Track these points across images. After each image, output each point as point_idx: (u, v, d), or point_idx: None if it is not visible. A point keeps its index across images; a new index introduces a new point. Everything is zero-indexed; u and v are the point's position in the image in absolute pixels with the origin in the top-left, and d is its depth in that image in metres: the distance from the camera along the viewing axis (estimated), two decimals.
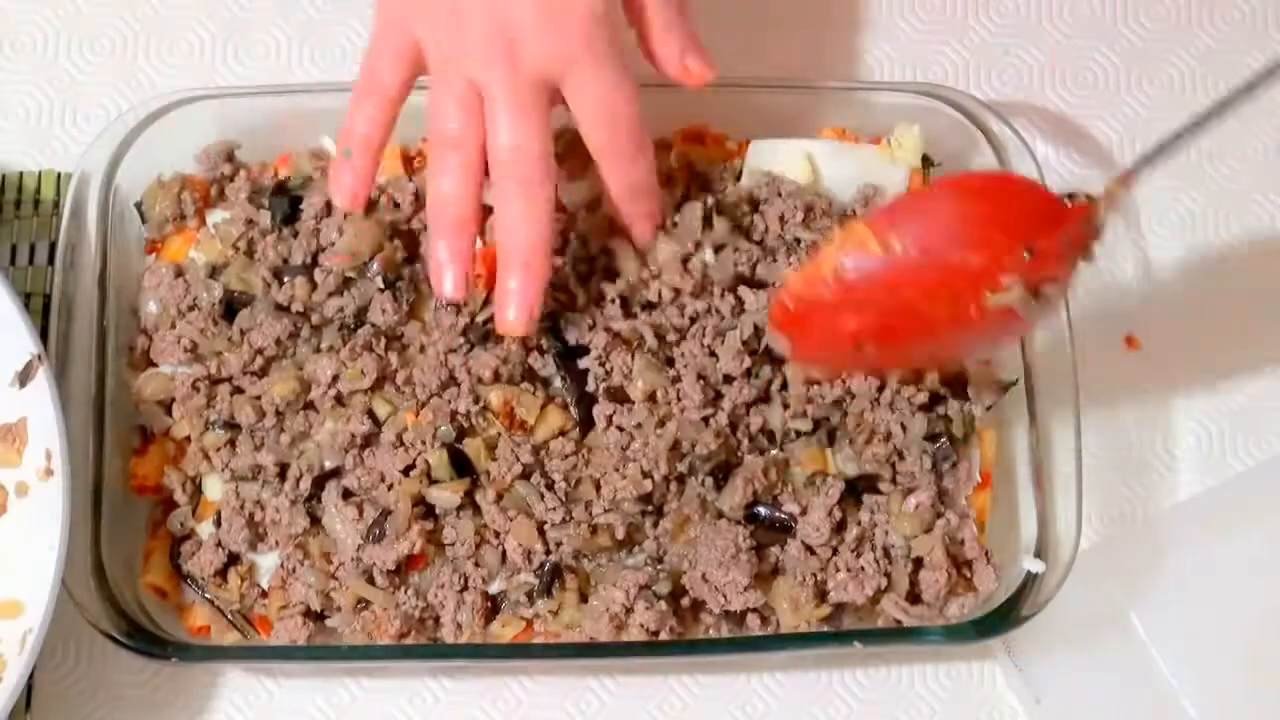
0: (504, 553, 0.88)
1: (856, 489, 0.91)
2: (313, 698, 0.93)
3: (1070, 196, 0.80)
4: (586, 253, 0.93)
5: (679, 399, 0.89)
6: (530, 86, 0.80)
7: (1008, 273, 0.78)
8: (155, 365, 0.91)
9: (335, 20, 1.06)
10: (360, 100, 0.85)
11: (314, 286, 0.90)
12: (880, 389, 0.91)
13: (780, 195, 0.94)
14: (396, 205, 0.93)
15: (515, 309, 0.83)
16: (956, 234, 0.80)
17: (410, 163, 0.96)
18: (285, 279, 0.91)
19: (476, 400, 0.89)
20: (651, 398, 0.89)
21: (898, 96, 0.99)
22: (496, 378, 0.89)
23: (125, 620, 0.86)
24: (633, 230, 0.89)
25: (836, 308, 0.83)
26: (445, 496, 0.88)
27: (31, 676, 0.89)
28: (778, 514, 0.90)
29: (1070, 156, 1.07)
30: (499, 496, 0.88)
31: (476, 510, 0.89)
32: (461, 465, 0.88)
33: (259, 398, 0.90)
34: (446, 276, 0.84)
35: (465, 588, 0.88)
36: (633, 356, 0.90)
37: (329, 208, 0.92)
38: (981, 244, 0.79)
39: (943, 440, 0.91)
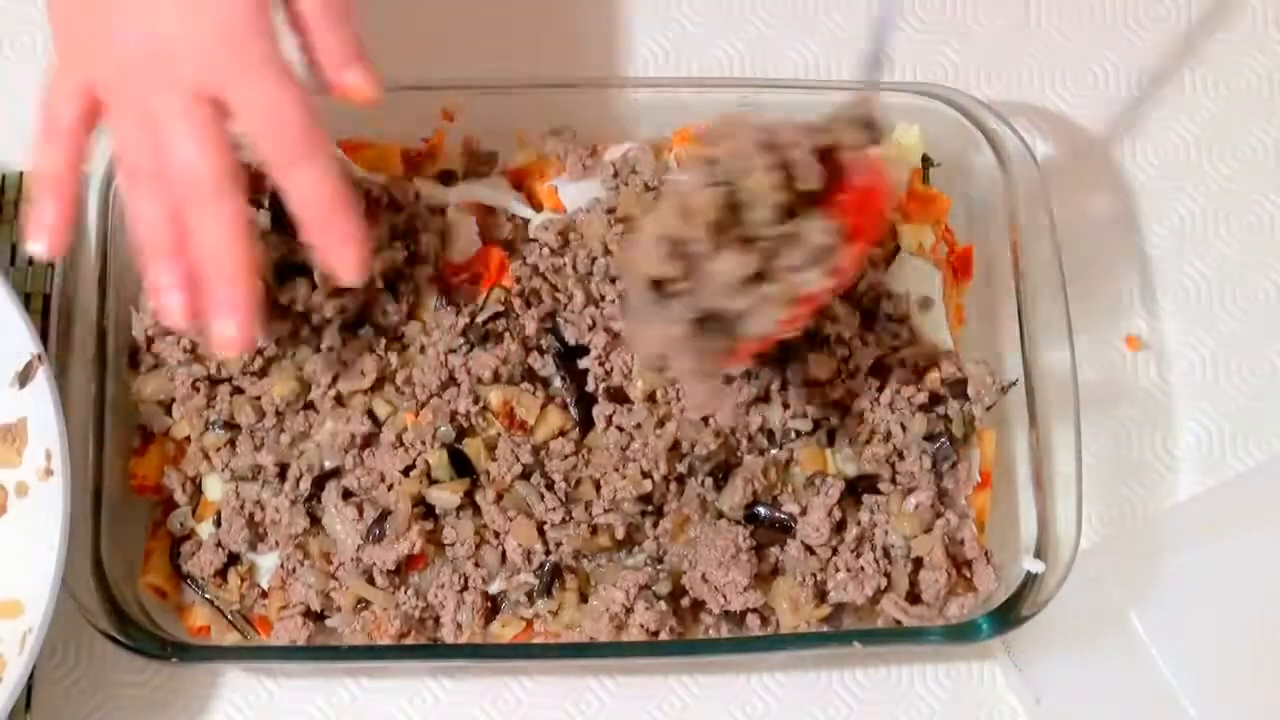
0: (504, 553, 0.88)
1: (856, 489, 0.91)
2: (313, 698, 0.93)
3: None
4: (588, 253, 0.93)
5: (678, 399, 0.89)
6: (192, 104, 0.77)
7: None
8: (155, 365, 0.91)
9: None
10: (44, 144, 0.81)
11: (314, 287, 0.90)
12: (880, 389, 0.91)
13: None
14: (399, 207, 0.93)
15: (228, 324, 0.78)
16: None
17: (412, 162, 0.96)
18: (285, 280, 0.91)
19: (476, 400, 0.89)
20: (651, 398, 0.89)
21: (898, 96, 0.99)
22: (496, 378, 0.90)
23: (125, 620, 0.86)
24: (333, 263, 0.79)
25: None
26: (445, 496, 0.88)
27: (31, 676, 0.89)
28: (777, 514, 0.90)
29: (1070, 156, 1.07)
30: (499, 496, 0.88)
31: (476, 510, 0.89)
32: (461, 465, 0.88)
33: (259, 398, 0.90)
34: (169, 302, 0.78)
35: (465, 588, 0.88)
36: (632, 356, 0.90)
37: None
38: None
39: (943, 440, 0.91)
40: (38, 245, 0.80)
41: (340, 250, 0.79)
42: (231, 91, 0.78)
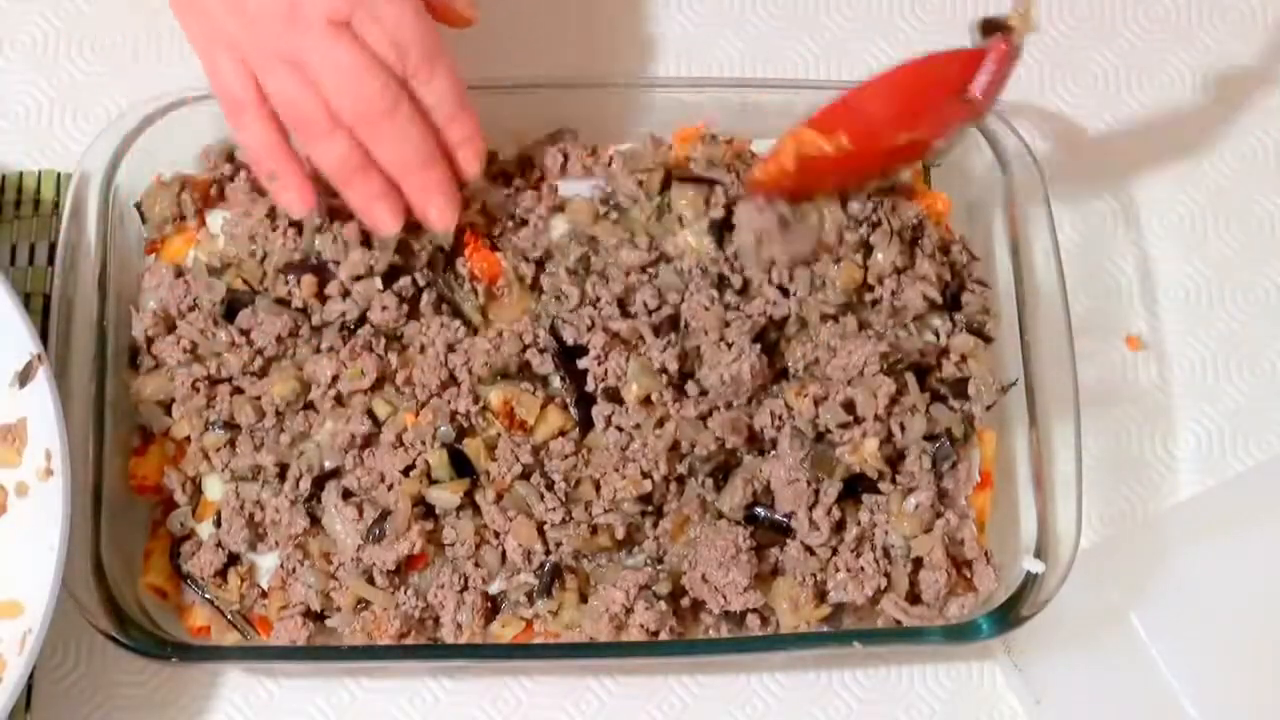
0: (504, 553, 0.88)
1: (856, 489, 0.91)
2: (313, 698, 0.93)
3: (987, 27, 0.88)
4: (584, 252, 0.93)
5: (674, 401, 0.89)
6: (331, 34, 0.83)
7: (937, 136, 0.90)
8: (155, 365, 0.91)
9: None
10: (238, 121, 0.87)
11: (322, 285, 0.90)
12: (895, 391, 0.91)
13: None
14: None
15: (440, 202, 0.88)
16: (889, 121, 0.90)
17: None
18: (291, 276, 0.91)
19: (476, 400, 0.89)
20: (646, 401, 0.89)
21: None
22: (489, 370, 0.89)
23: (125, 620, 0.86)
24: (458, 160, 0.89)
25: (798, 180, 0.91)
26: (445, 496, 0.88)
27: (31, 676, 0.89)
28: (777, 515, 0.89)
29: (1070, 156, 1.07)
30: (499, 496, 0.88)
31: (476, 510, 0.89)
32: (461, 465, 0.88)
33: (259, 398, 0.90)
34: (379, 213, 0.88)
35: (465, 588, 0.88)
36: (628, 359, 0.90)
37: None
38: (912, 123, 0.90)
39: (943, 440, 0.91)
40: (296, 209, 0.89)
41: (464, 147, 0.88)
42: (358, 18, 0.83)
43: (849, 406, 0.90)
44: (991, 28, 0.88)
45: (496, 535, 0.89)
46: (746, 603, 0.88)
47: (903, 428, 0.90)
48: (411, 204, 0.88)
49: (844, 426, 0.90)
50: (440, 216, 0.88)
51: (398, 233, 0.89)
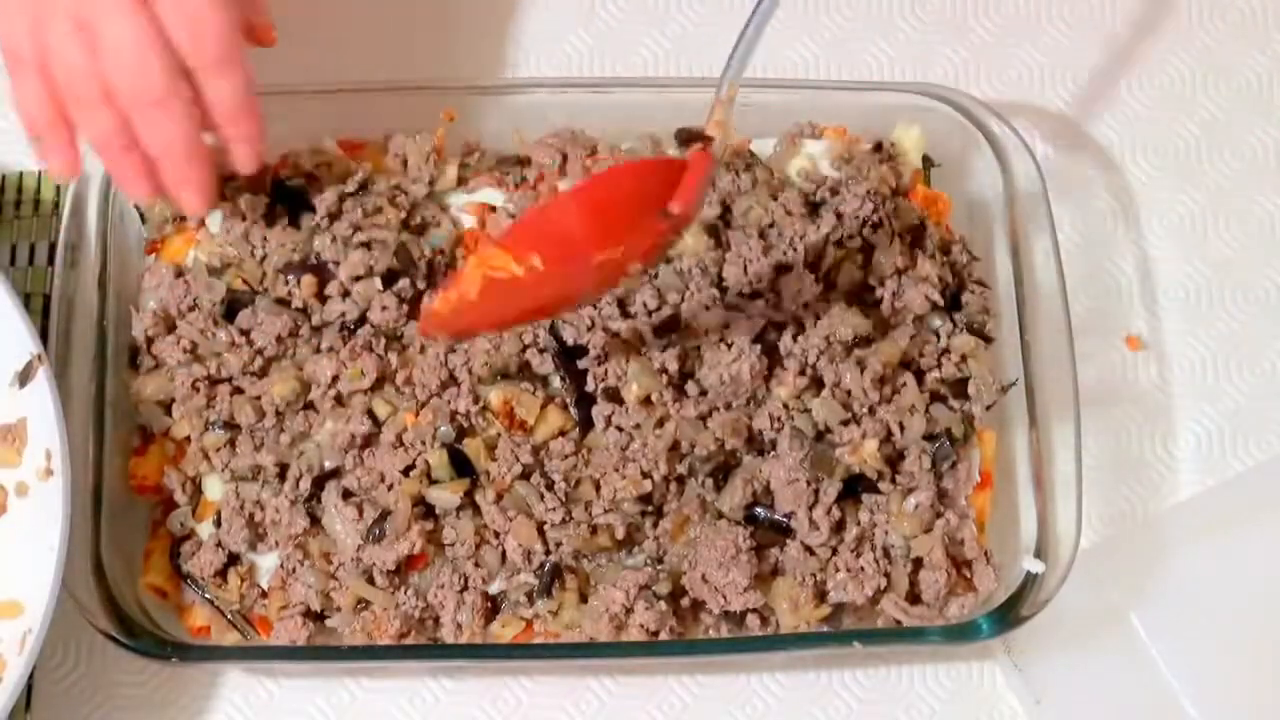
0: (504, 553, 0.88)
1: (856, 489, 0.91)
2: (313, 698, 0.93)
3: (685, 137, 0.85)
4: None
5: (674, 401, 0.89)
6: (129, 10, 0.81)
7: (634, 260, 0.83)
8: (155, 365, 0.91)
9: (342, 21, 1.06)
10: (16, 75, 0.85)
11: (322, 285, 0.90)
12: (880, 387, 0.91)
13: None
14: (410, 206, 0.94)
15: (192, 192, 0.87)
16: (586, 239, 0.82)
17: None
18: (291, 276, 0.91)
19: (476, 400, 0.89)
20: (646, 401, 0.89)
21: (898, 96, 0.99)
22: (489, 370, 0.89)
23: (125, 620, 0.86)
24: (233, 156, 0.87)
25: (482, 310, 0.83)
26: (445, 497, 0.88)
27: (31, 676, 0.89)
28: (777, 515, 0.89)
29: (1070, 156, 1.08)
30: (499, 496, 0.88)
31: (476, 510, 0.89)
32: (461, 465, 0.88)
33: (259, 398, 0.90)
34: (135, 189, 0.87)
35: (465, 588, 0.88)
36: (627, 359, 0.90)
37: (340, 205, 0.92)
38: (611, 240, 0.82)
39: (942, 440, 0.91)
40: (56, 172, 0.88)
41: (242, 145, 0.87)
42: (161, 1, 0.81)
43: (843, 393, 0.90)
44: (689, 138, 0.84)
45: (496, 535, 0.88)
46: (746, 603, 0.88)
47: (902, 428, 0.90)
48: (166, 188, 0.87)
49: (844, 424, 0.90)
50: (190, 207, 0.88)
51: (148, 198, 0.89)
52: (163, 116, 0.83)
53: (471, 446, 0.89)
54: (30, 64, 0.83)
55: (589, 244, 0.81)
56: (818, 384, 0.91)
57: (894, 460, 0.91)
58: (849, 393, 0.91)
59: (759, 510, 0.90)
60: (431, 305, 0.83)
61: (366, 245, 0.91)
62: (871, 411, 0.91)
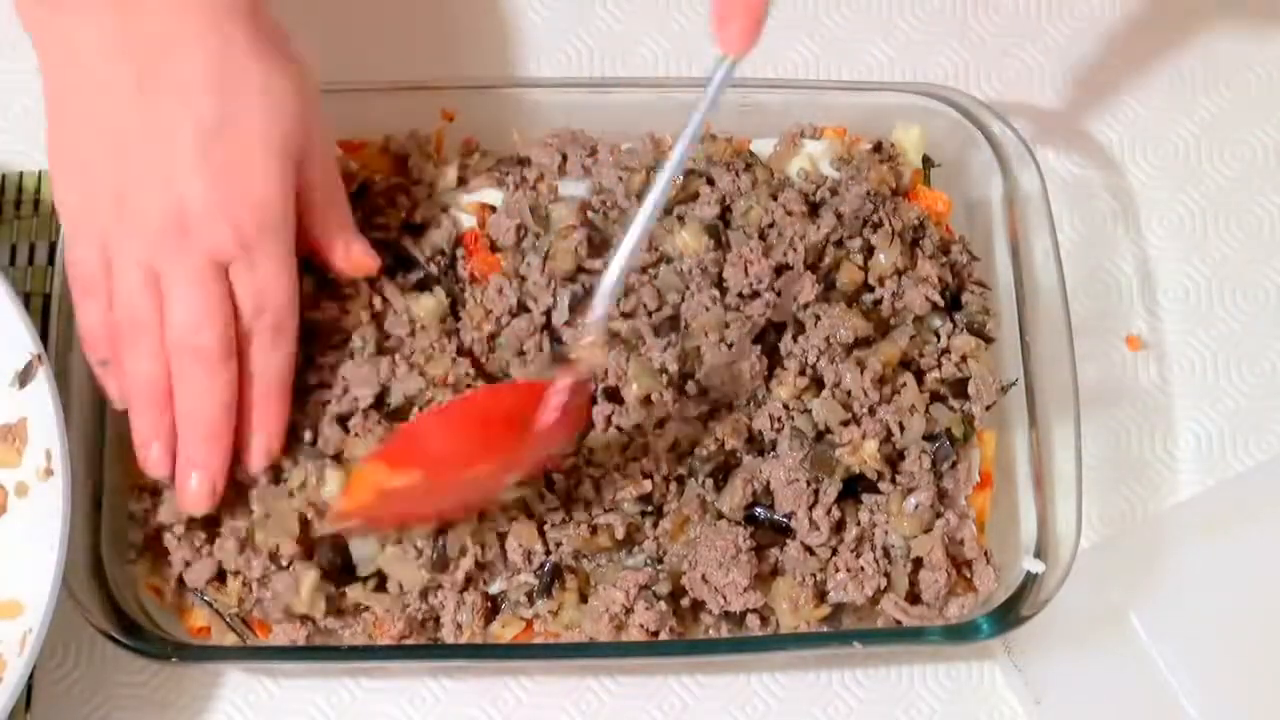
0: (504, 553, 0.88)
1: (856, 489, 0.91)
2: (313, 698, 0.93)
3: (555, 359, 0.88)
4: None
5: (675, 402, 0.89)
6: (204, 268, 0.80)
7: (508, 470, 0.86)
8: None
9: (342, 21, 1.06)
10: (83, 301, 0.84)
11: (319, 285, 0.90)
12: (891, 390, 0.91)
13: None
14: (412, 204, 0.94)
15: (199, 480, 0.84)
16: (459, 454, 0.85)
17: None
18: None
19: None
20: (646, 400, 0.89)
21: (898, 96, 0.99)
22: (488, 372, 0.89)
23: (125, 620, 0.86)
24: (248, 447, 0.85)
25: (381, 512, 0.86)
26: None
27: (31, 676, 0.89)
28: (777, 515, 0.89)
29: (1070, 156, 1.08)
30: None
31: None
32: None
33: None
34: (152, 453, 0.85)
35: (465, 588, 0.88)
36: (628, 359, 0.90)
37: None
38: (483, 455, 0.85)
39: (942, 440, 0.91)
40: (117, 396, 0.85)
41: (258, 433, 0.85)
42: (236, 266, 0.81)
43: (843, 393, 0.90)
44: (558, 359, 0.87)
45: (499, 536, 0.88)
46: (746, 603, 0.88)
47: (902, 428, 0.90)
48: (178, 464, 0.84)
49: (844, 424, 0.90)
50: (193, 498, 0.84)
51: (160, 474, 0.85)
52: (205, 382, 0.82)
53: None
54: (100, 294, 0.83)
55: (462, 458, 0.84)
56: (818, 384, 0.91)
57: (894, 460, 0.91)
58: (849, 393, 0.91)
59: (759, 510, 0.90)
60: (334, 509, 0.85)
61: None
62: (871, 412, 0.91)
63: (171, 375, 0.82)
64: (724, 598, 0.88)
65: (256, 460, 0.86)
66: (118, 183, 0.80)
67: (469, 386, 0.90)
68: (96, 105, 0.81)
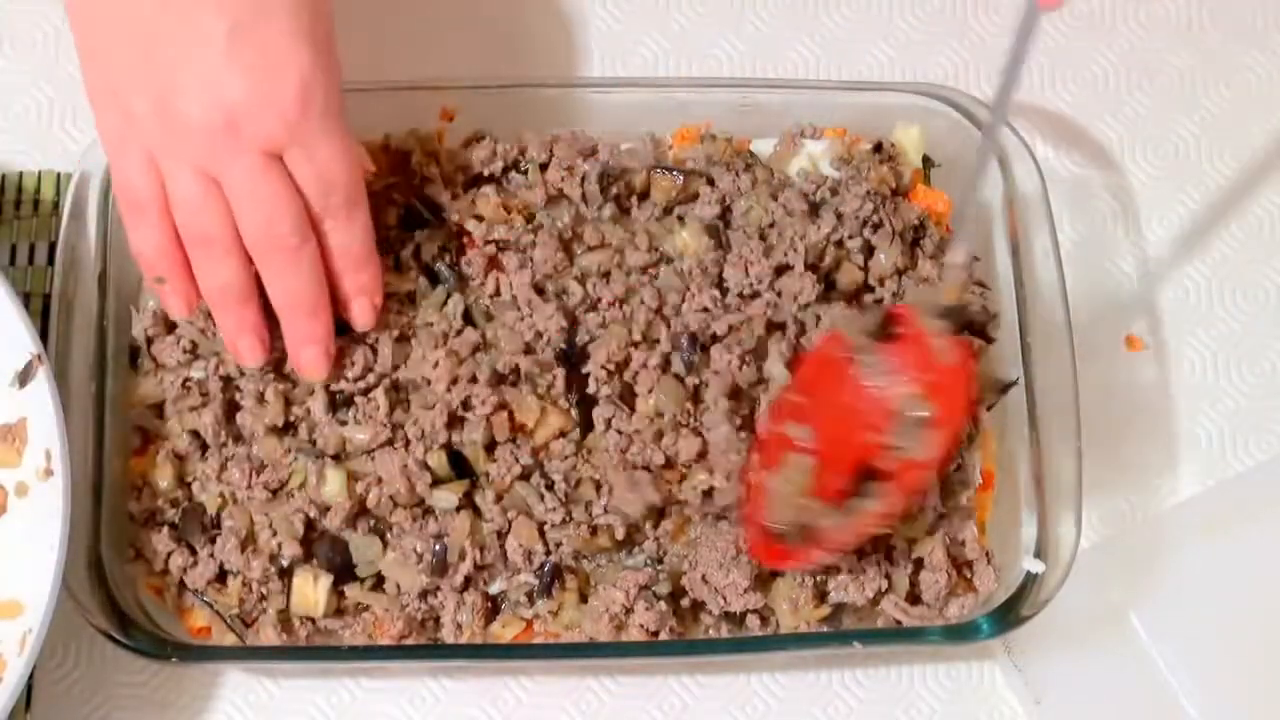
0: (504, 553, 0.88)
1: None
2: (313, 698, 0.93)
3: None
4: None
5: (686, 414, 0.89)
6: (261, 162, 0.80)
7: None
8: (155, 365, 0.91)
9: (342, 22, 1.06)
10: (136, 220, 0.85)
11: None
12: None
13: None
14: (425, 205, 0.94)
15: (314, 353, 0.86)
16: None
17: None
18: None
19: (477, 403, 0.89)
20: (658, 414, 0.89)
21: (898, 96, 0.99)
22: (491, 373, 0.89)
23: (125, 620, 0.86)
24: (350, 310, 0.87)
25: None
26: (445, 497, 0.88)
27: (31, 676, 0.89)
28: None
29: (1070, 156, 1.08)
30: (499, 497, 0.88)
31: (476, 511, 0.89)
32: (461, 467, 0.88)
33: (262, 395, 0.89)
34: (248, 345, 0.87)
35: (465, 588, 0.88)
36: (644, 367, 0.89)
37: None
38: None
39: None
40: (176, 311, 0.88)
41: (362, 298, 0.87)
42: (290, 153, 0.81)
43: None
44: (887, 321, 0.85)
45: (498, 535, 0.88)
46: (747, 604, 0.88)
47: None
48: (288, 343, 0.86)
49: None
50: (311, 367, 0.87)
51: (256, 363, 0.87)
52: (293, 266, 0.83)
53: (470, 448, 0.89)
54: (152, 211, 0.83)
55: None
56: None
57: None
58: None
59: None
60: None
61: None
62: None
63: (258, 270, 0.84)
64: (724, 598, 0.88)
65: (364, 319, 0.87)
66: (157, 94, 0.80)
67: (474, 380, 0.89)
68: (123, 19, 0.81)
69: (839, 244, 0.94)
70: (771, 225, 0.94)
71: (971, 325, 0.87)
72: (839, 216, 0.94)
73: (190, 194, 0.82)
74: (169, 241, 0.84)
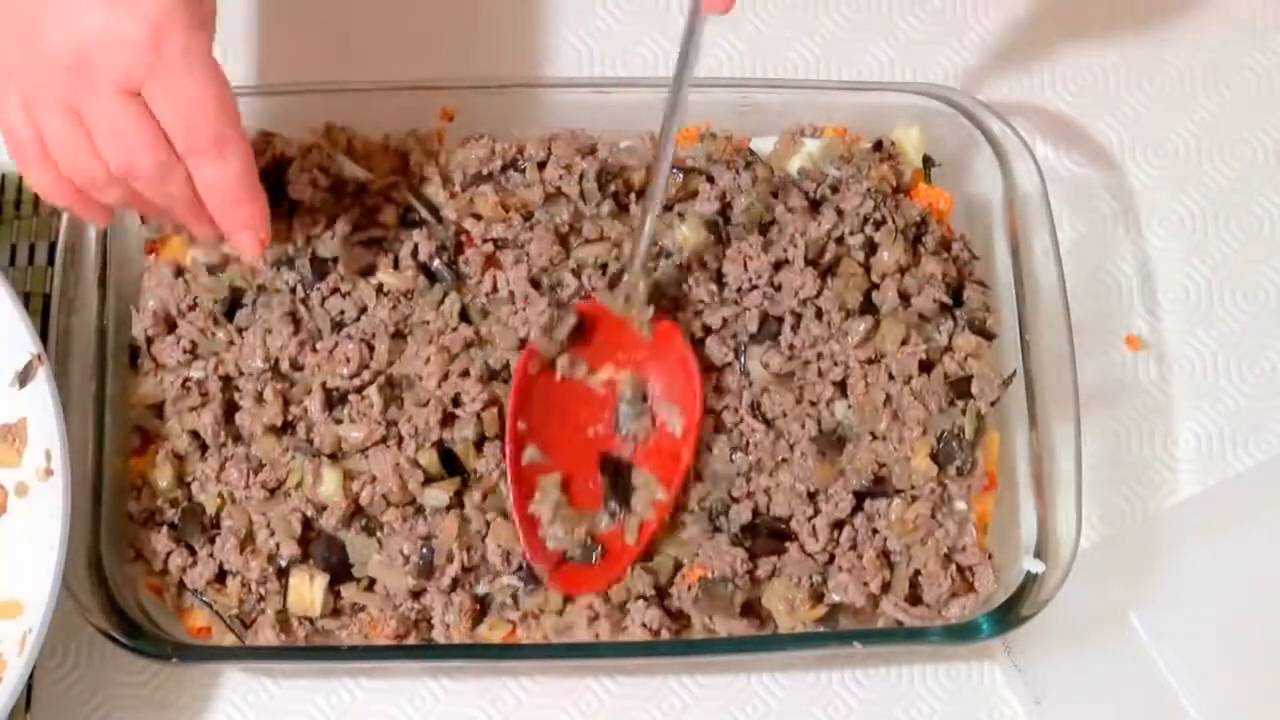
0: (484, 555, 0.88)
1: (862, 495, 0.91)
2: (312, 697, 0.93)
3: None
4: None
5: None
6: (117, 99, 0.79)
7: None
8: (155, 365, 0.91)
9: (342, 21, 1.06)
10: (21, 159, 0.83)
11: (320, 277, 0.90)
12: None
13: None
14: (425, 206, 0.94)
15: (244, 237, 0.85)
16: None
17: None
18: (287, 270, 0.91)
19: (466, 401, 0.89)
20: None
21: (898, 96, 0.99)
22: (483, 370, 0.89)
23: (125, 620, 0.85)
24: (234, 244, 0.86)
25: None
26: (436, 496, 0.88)
27: (31, 676, 0.89)
28: (779, 524, 0.89)
29: (1070, 156, 1.08)
30: (484, 496, 0.88)
31: (463, 511, 0.89)
32: (452, 464, 0.88)
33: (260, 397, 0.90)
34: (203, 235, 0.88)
35: (453, 589, 0.88)
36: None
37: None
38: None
39: (949, 442, 0.90)
40: (99, 226, 0.89)
41: (240, 234, 0.85)
42: (149, 88, 0.79)
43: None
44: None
45: (482, 537, 0.88)
46: (732, 630, 0.88)
47: (924, 429, 0.90)
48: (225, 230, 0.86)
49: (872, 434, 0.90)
50: (244, 244, 0.86)
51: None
52: (162, 190, 0.82)
53: (462, 445, 0.89)
54: (32, 149, 0.82)
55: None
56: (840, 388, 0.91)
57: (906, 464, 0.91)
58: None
59: (758, 521, 0.89)
60: None
61: (365, 244, 0.91)
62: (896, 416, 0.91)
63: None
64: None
65: (250, 251, 0.86)
66: (23, 33, 0.79)
67: (464, 373, 0.89)
68: None
69: (839, 240, 0.94)
70: (772, 222, 0.94)
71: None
72: (840, 213, 0.94)
73: (61, 139, 0.81)
74: (54, 177, 0.83)
